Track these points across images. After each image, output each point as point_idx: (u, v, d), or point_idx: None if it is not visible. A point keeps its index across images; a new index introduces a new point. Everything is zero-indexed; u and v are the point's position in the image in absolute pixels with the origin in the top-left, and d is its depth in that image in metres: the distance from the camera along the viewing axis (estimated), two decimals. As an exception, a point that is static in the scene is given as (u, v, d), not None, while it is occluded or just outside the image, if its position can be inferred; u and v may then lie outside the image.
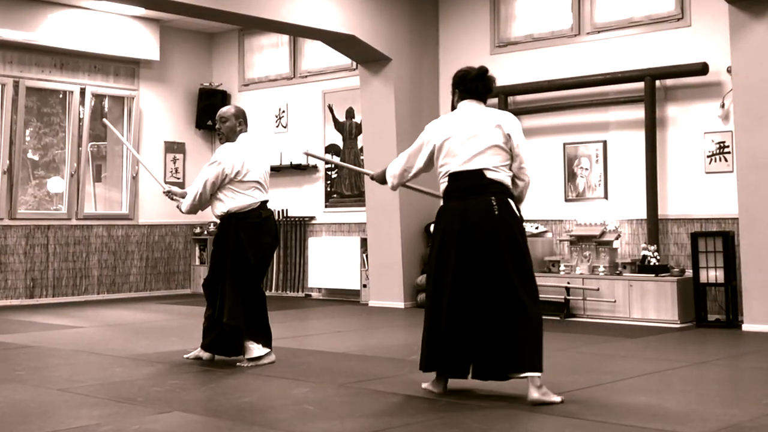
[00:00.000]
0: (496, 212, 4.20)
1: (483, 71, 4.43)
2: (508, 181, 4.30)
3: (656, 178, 7.84)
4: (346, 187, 10.17)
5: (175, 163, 11.03)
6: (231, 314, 5.20)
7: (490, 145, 4.27)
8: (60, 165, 10.35)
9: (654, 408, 4.06)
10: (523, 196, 4.40)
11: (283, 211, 10.54)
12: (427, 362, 4.33)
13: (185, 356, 5.59)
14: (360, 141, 9.85)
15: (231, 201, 5.29)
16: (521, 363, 4.11)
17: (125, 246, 10.60)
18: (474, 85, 4.41)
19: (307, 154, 6.10)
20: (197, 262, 11.15)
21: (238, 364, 5.31)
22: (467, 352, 4.20)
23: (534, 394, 4.10)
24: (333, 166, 10.26)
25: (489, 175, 4.25)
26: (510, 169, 4.32)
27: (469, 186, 4.26)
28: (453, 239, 4.24)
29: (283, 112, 10.77)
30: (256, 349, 5.30)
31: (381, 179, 4.77)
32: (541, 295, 7.34)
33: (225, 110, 5.50)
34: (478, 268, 4.18)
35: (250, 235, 5.27)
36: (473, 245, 4.20)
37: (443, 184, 4.38)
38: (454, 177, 4.31)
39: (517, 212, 4.28)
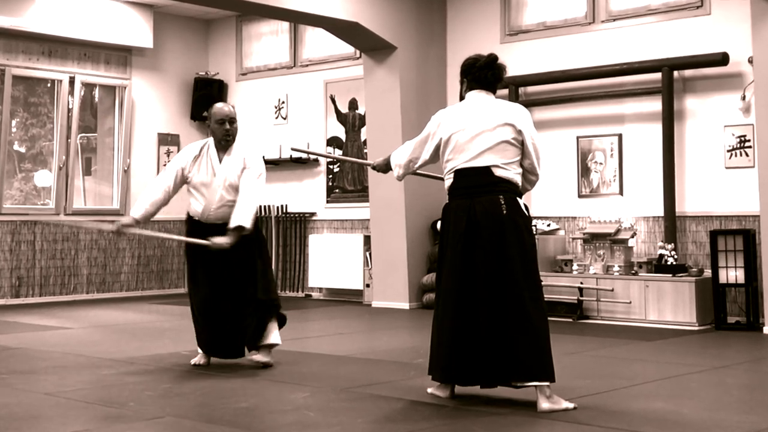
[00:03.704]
0: (505, 211, 4.14)
1: (492, 59, 4.34)
2: (517, 179, 4.25)
3: (674, 173, 7.78)
4: (348, 181, 10.09)
5: (168, 156, 10.95)
6: (266, 290, 5.17)
7: (500, 141, 4.20)
8: (48, 157, 10.28)
9: (670, 414, 4.06)
10: (528, 191, 4.39)
11: (282, 206, 10.48)
12: (433, 368, 4.33)
13: (192, 362, 5.41)
14: (363, 133, 9.82)
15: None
16: (529, 372, 4.07)
17: (116, 243, 10.51)
18: (483, 73, 4.33)
19: (295, 150, 6.01)
20: (191, 259, 10.97)
21: (251, 357, 5.20)
22: (473, 358, 4.14)
23: (544, 404, 4.06)
24: (335, 159, 10.19)
25: (497, 172, 4.19)
26: (520, 166, 4.27)
27: (477, 183, 4.20)
28: (459, 239, 4.18)
29: (283, 102, 10.69)
30: (275, 335, 5.22)
31: (384, 168, 4.73)
32: (553, 296, 7.68)
33: (233, 111, 5.43)
34: (485, 270, 4.12)
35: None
36: (480, 245, 4.14)
37: (449, 180, 4.31)
38: (460, 174, 4.24)
39: (526, 211, 4.24)
